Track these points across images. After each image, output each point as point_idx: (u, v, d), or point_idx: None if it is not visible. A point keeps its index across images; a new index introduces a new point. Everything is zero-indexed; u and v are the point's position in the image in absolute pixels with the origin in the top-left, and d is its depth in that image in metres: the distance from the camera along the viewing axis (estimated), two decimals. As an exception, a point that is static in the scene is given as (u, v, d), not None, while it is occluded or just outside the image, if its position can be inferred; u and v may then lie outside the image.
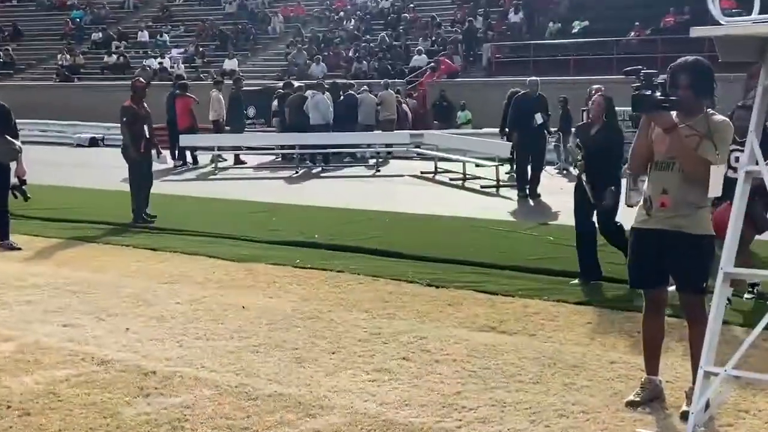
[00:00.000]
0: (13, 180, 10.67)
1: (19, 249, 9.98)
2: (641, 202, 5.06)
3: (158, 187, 13.35)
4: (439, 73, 28.51)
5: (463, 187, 16.53)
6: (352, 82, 24.72)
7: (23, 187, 11.54)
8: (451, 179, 17.51)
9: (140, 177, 12.10)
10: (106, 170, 15.57)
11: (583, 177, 8.05)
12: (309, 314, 7.04)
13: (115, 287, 7.99)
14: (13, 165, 10.21)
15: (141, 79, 13.45)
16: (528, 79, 15.53)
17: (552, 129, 16.90)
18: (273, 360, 5.84)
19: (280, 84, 24.52)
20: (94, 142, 26.95)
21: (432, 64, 29.03)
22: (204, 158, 20.52)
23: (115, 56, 37.23)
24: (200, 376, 5.51)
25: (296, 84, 22.76)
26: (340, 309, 7.25)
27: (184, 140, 20.02)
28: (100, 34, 39.84)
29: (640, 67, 4.74)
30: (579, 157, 8.10)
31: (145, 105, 12.29)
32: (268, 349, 6.12)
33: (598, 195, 7.96)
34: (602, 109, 8.01)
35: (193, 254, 9.68)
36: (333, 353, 6.03)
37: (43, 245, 10.38)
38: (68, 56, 37.96)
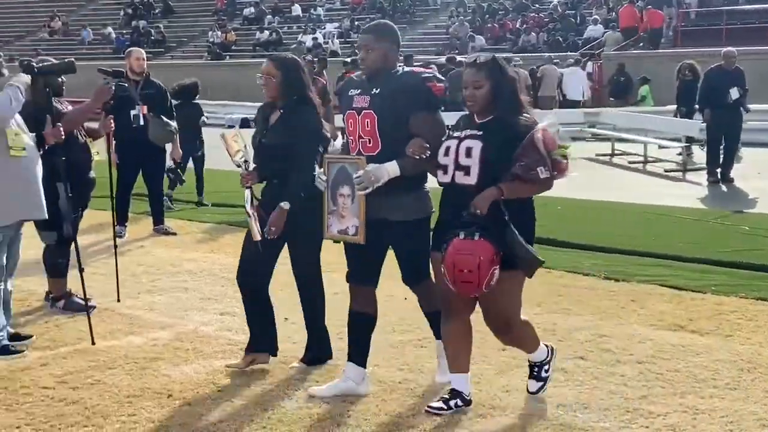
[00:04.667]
0: (169, 162, 11.16)
1: (174, 234, 10.47)
2: None
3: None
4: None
5: (644, 171, 16.17)
6: (516, 56, 24.59)
7: (178, 170, 12.05)
8: (630, 162, 17.15)
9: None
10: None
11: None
12: (477, 308, 7.05)
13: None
14: (168, 147, 10.69)
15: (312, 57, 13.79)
16: (723, 50, 15.00)
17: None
18: (439, 355, 5.90)
19: (441, 59, 24.62)
20: (245, 123, 27.84)
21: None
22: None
23: (267, 32, 38.27)
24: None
25: (459, 59, 22.82)
26: (510, 302, 7.23)
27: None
28: (253, 10, 41.01)
29: None
30: None
31: (316, 84, 12.60)
32: (433, 343, 6.17)
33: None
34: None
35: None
36: (503, 350, 6.02)
37: (197, 230, 10.86)
38: (219, 33, 39.28)
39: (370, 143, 5.01)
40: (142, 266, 8.67)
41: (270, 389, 5.32)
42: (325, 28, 37.93)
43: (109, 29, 42.85)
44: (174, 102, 10.98)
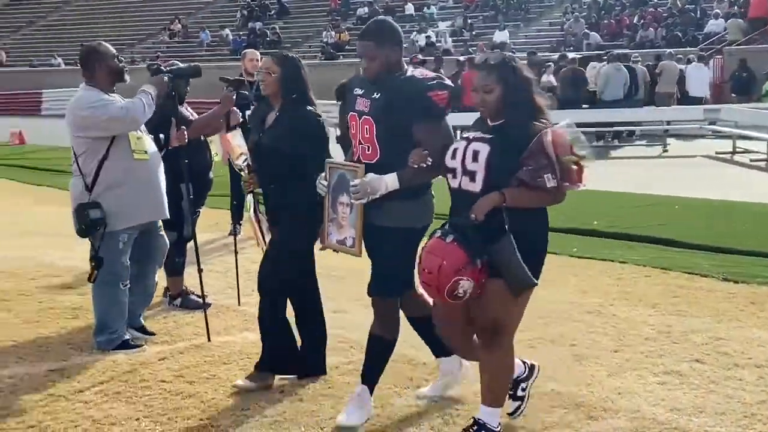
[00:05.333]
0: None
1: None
2: None
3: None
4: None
5: (766, 169, 15.68)
6: (633, 52, 24.16)
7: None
8: (752, 160, 16.67)
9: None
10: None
11: None
12: (588, 308, 7.01)
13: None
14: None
15: (416, 56, 13.86)
16: None
17: None
18: (549, 356, 5.86)
19: (555, 56, 24.42)
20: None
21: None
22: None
23: (380, 31, 38.47)
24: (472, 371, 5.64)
25: (571, 56, 22.59)
26: (623, 303, 7.15)
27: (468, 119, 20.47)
28: (366, 9, 41.29)
29: None
30: None
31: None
32: (543, 343, 6.16)
33: None
34: None
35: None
36: (616, 351, 5.96)
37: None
38: (333, 33, 39.69)
39: (369, 150, 4.75)
40: (256, 264, 8.82)
41: (379, 386, 5.36)
42: (437, 26, 37.93)
43: (227, 31, 43.75)
44: None
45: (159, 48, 42.76)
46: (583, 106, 20.94)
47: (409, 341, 6.17)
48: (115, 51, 6.25)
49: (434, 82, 4.69)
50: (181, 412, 5.02)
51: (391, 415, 4.95)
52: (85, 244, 6.19)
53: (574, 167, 4.21)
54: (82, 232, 5.99)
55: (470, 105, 15.67)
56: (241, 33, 43.51)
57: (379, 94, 4.72)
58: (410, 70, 4.81)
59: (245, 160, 5.44)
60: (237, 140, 5.63)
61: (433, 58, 24.65)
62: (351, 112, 4.86)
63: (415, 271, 4.54)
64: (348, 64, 36.63)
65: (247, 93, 9.96)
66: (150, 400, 5.23)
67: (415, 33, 37.00)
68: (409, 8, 40.40)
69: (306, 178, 5.12)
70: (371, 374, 4.96)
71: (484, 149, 4.28)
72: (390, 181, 4.60)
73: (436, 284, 4.21)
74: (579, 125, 16.08)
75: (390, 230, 4.71)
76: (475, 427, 4.48)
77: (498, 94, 4.32)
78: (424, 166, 4.56)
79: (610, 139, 21.06)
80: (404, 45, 5.07)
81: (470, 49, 32.54)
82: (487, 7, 38.20)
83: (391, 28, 4.87)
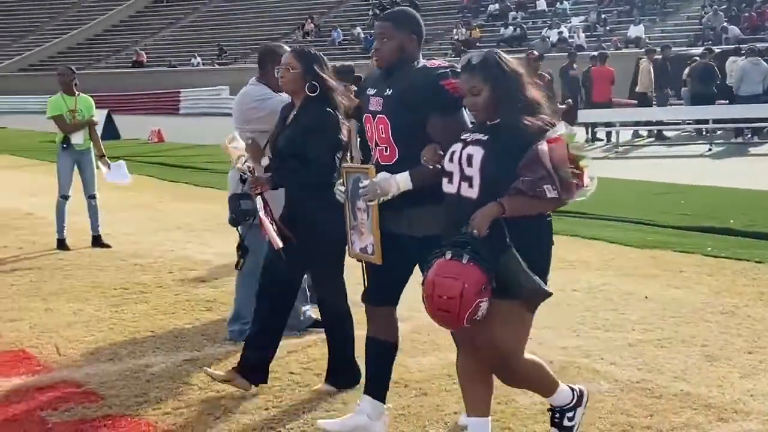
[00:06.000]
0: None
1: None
2: None
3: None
4: None
5: None
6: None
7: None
8: None
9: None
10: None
11: None
12: (721, 309, 6.84)
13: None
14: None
15: (534, 51, 13.76)
16: None
17: None
18: (679, 356, 5.77)
19: (693, 51, 23.83)
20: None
21: None
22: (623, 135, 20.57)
23: (511, 28, 38.30)
24: (598, 368, 5.60)
25: (716, 50, 22.06)
26: (759, 305, 6.95)
27: (590, 115, 20.25)
28: (497, 6, 41.17)
29: None
30: None
31: (540, 80, 12.61)
32: (674, 344, 6.05)
33: None
34: None
35: (591, 238, 9.79)
36: (749, 353, 5.82)
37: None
38: (464, 30, 39.69)
39: (386, 151, 4.47)
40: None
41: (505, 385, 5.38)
42: (570, 22, 37.49)
43: (358, 29, 44.27)
44: None
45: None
46: (721, 101, 20.40)
47: (534, 339, 6.17)
48: None
49: (447, 70, 4.38)
50: (308, 404, 5.15)
51: (515, 412, 4.96)
52: (221, 239, 6.40)
53: (573, 179, 3.91)
54: (232, 221, 6.12)
55: (599, 101, 15.41)
56: (372, 31, 43.92)
57: (390, 90, 4.45)
58: (422, 61, 4.51)
59: (245, 161, 5.28)
60: (233, 144, 5.54)
61: (566, 53, 24.38)
62: (366, 114, 4.60)
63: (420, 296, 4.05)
64: (479, 61, 36.63)
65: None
66: (280, 391, 5.37)
67: (546, 29, 36.65)
68: (542, 4, 40.07)
69: (323, 182, 4.93)
70: (377, 383, 4.70)
71: (477, 153, 3.96)
72: (401, 181, 4.31)
73: (457, 311, 3.82)
74: (716, 121, 15.77)
75: (408, 239, 4.43)
76: (557, 415, 4.38)
77: (487, 94, 4.00)
78: (438, 166, 4.17)
79: (749, 136, 20.43)
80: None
81: (604, 45, 32.06)
82: (622, 2, 37.52)
83: (413, 16, 4.59)
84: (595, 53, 23.27)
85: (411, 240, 4.41)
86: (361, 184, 4.44)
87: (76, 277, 8.56)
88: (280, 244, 5.11)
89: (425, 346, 6.15)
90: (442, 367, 5.71)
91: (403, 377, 5.53)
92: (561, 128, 3.94)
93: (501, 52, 4.13)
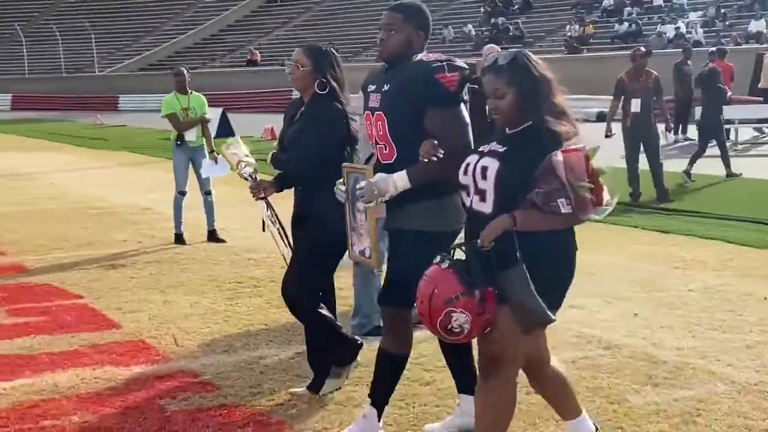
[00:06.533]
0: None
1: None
2: None
3: (670, 165, 13.39)
4: None
5: None
6: None
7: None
8: None
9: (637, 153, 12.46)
10: (611, 146, 15.78)
11: None
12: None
13: (622, 270, 8.22)
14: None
15: (641, 48, 13.53)
16: None
17: None
18: (801, 360, 5.61)
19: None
20: (601, 117, 27.61)
21: None
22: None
23: (626, 24, 37.67)
24: (714, 369, 5.49)
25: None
26: None
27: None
28: (612, 1, 40.51)
29: None
30: None
31: (648, 77, 12.41)
32: (796, 347, 5.89)
33: None
34: None
35: (708, 238, 9.59)
36: None
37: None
38: (577, 26, 39.20)
39: (386, 149, 4.32)
40: (494, 257, 8.94)
41: (617, 383, 5.32)
42: (687, 17, 36.63)
43: (469, 27, 44.15)
44: None
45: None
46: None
47: (649, 339, 6.09)
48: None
49: (443, 63, 4.22)
50: (417, 399, 5.18)
51: (628, 412, 4.90)
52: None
53: (588, 195, 3.64)
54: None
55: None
56: (483, 29, 43.77)
57: (387, 86, 4.31)
58: (419, 55, 4.34)
59: (246, 166, 5.18)
60: (231, 149, 5.33)
61: (681, 49, 23.82)
62: (366, 111, 4.47)
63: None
64: (591, 57, 36.12)
65: (477, 87, 10.14)
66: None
67: (661, 24, 35.92)
68: (658, -1, 39.25)
69: (330, 178, 4.73)
70: (380, 394, 4.57)
71: (492, 165, 3.72)
72: (399, 181, 4.16)
73: (428, 314, 3.69)
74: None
75: (410, 233, 4.27)
76: None
77: (511, 98, 3.75)
78: (435, 159, 4.03)
79: None
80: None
81: (722, 40, 31.22)
82: (742, -4, 36.52)
83: (423, 11, 4.43)
84: (713, 49, 22.68)
85: (416, 235, 4.26)
86: (357, 186, 4.32)
87: (193, 271, 8.80)
88: (285, 249, 4.99)
89: (536, 344, 6.12)
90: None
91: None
92: (580, 141, 3.71)
93: (530, 54, 3.88)
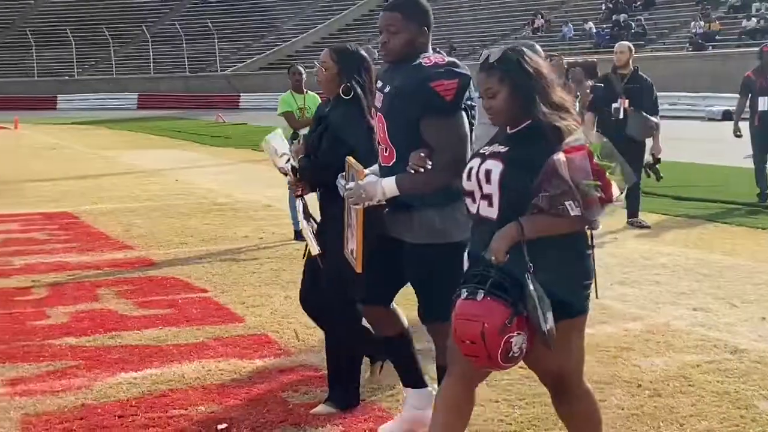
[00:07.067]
0: (647, 158, 11.15)
1: (648, 227, 10.50)
2: None
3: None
4: None
5: None
6: None
7: (656, 165, 11.91)
8: None
9: (765, 153, 12.18)
10: (736, 145, 15.42)
11: None
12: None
13: (748, 272, 8.03)
14: (648, 142, 10.75)
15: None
16: None
17: None
18: None
19: None
20: (727, 115, 26.95)
21: None
22: None
23: (754, 20, 36.63)
24: None
25: None
26: None
27: None
28: (738, -3, 39.44)
29: None
30: None
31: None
32: None
33: None
34: None
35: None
36: None
37: (672, 224, 10.80)
38: (702, 23, 38.29)
39: (386, 152, 4.19)
40: (615, 258, 8.83)
41: (744, 388, 5.20)
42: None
43: (590, 24, 43.56)
44: None
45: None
46: None
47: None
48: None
49: (441, 69, 4.02)
50: (538, 398, 5.15)
51: (756, 418, 4.78)
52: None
53: (596, 193, 3.40)
54: None
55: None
56: (604, 26, 43.13)
57: (389, 87, 4.17)
58: (420, 58, 4.13)
59: (288, 160, 4.98)
60: (274, 142, 5.09)
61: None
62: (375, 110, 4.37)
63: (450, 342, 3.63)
64: (718, 54, 35.21)
65: (601, 85, 10.19)
66: (508, 384, 5.41)
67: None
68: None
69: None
70: (408, 374, 4.68)
71: (496, 167, 3.50)
72: (387, 187, 4.05)
73: (484, 353, 3.40)
74: None
75: (419, 247, 4.13)
76: None
77: (505, 95, 3.53)
78: (421, 170, 3.94)
79: None
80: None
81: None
82: None
83: (423, 6, 4.21)
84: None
85: (400, 245, 4.18)
86: (347, 186, 4.23)
87: (313, 267, 8.92)
88: (317, 250, 4.82)
89: (659, 347, 6.03)
90: (678, 368, 5.58)
91: (636, 377, 5.45)
92: (580, 135, 3.47)
93: (526, 49, 3.61)
